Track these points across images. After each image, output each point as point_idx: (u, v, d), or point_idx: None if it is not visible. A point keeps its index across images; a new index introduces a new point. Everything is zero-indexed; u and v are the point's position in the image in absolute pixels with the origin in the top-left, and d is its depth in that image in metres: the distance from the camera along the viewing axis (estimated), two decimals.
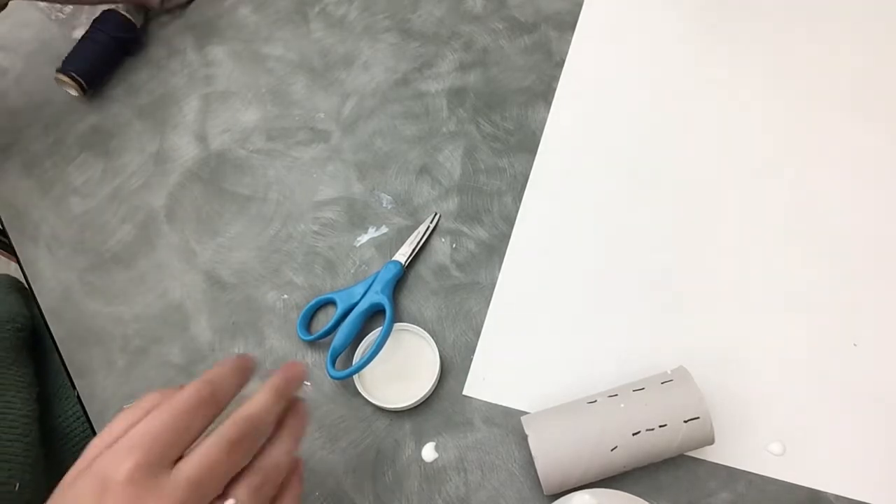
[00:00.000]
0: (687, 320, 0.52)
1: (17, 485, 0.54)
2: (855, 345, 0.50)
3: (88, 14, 0.73)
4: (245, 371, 0.37)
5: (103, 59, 0.70)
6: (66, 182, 0.66)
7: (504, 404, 0.51)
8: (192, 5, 0.75)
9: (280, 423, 0.37)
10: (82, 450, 0.34)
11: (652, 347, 0.52)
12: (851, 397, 0.49)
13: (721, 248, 0.55)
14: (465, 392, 0.52)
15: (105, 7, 0.71)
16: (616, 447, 0.44)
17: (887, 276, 0.52)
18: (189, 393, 0.34)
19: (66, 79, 0.67)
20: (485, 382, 0.52)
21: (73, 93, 0.68)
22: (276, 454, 0.35)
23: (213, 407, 0.34)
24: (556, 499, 0.45)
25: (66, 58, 0.69)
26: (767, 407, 0.49)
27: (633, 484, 0.48)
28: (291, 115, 0.66)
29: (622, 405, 0.45)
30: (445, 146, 0.62)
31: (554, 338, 0.53)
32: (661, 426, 0.44)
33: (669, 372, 0.47)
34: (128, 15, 0.71)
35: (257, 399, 0.36)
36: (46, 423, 0.60)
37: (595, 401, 0.46)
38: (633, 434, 0.44)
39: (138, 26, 0.72)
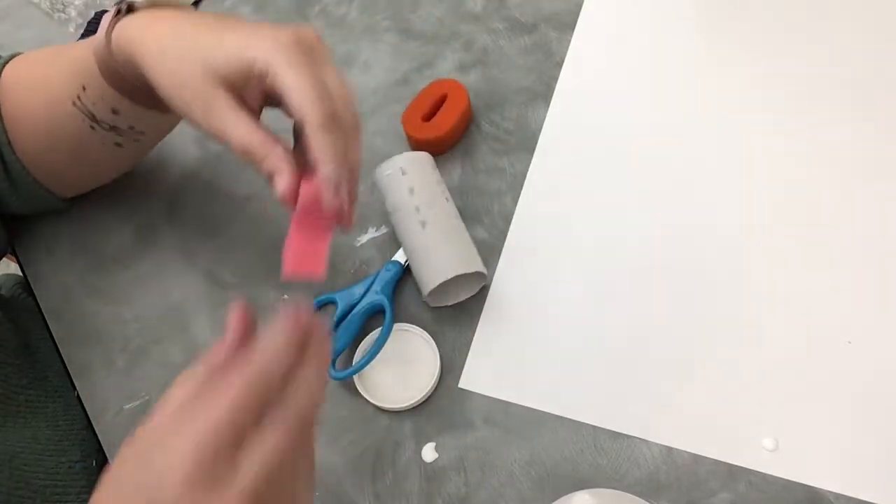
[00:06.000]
0: (683, 315, 0.52)
1: (95, 462, 0.56)
2: (849, 342, 0.50)
3: (84, 17, 0.73)
4: (302, 348, 0.32)
5: None
6: None
7: (499, 397, 0.51)
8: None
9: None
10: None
11: (647, 342, 0.52)
12: (845, 395, 0.49)
13: (717, 245, 0.55)
14: (461, 385, 0.52)
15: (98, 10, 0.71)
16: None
17: (882, 275, 0.52)
18: (237, 394, 0.29)
19: None
20: (480, 376, 0.52)
21: None
22: (300, 402, 0.30)
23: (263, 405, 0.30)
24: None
25: None
26: (760, 403, 0.49)
27: (633, 484, 0.48)
28: None
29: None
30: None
31: (549, 333, 0.53)
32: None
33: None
34: None
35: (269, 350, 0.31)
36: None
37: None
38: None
39: None
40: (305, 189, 0.40)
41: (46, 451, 0.53)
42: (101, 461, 0.56)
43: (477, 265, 0.53)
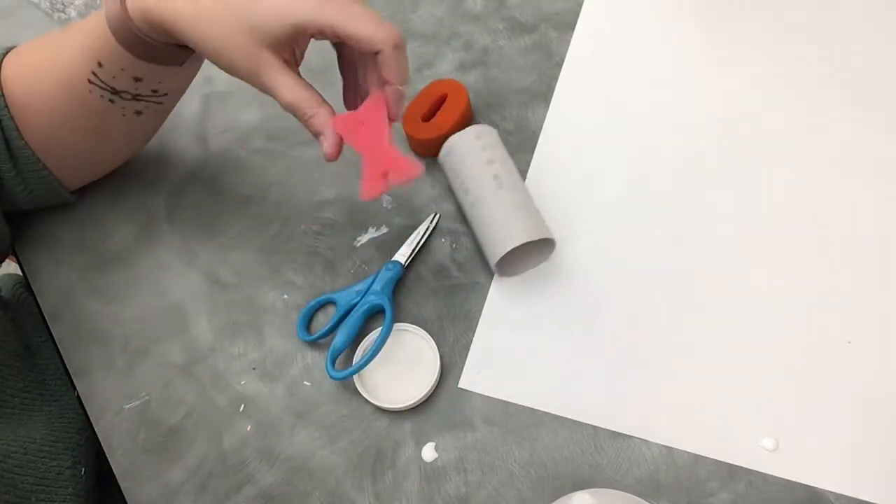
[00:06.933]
0: (682, 315, 0.52)
1: (84, 470, 0.55)
2: (849, 342, 0.50)
3: (84, 17, 0.73)
4: None
5: None
6: None
7: (499, 398, 0.51)
8: None
9: None
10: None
11: (645, 341, 0.52)
12: (845, 395, 0.49)
13: (717, 245, 0.55)
14: (461, 385, 0.52)
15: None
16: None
17: (882, 275, 0.52)
18: None
19: None
20: (480, 376, 0.52)
21: None
22: None
23: None
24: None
25: None
26: (760, 402, 0.49)
27: (633, 484, 0.48)
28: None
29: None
30: None
31: (549, 333, 0.53)
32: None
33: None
34: None
35: None
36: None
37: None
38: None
39: None
40: (370, 113, 0.47)
41: (40, 454, 0.53)
42: (90, 469, 0.56)
43: (548, 232, 0.53)
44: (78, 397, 0.57)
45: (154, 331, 0.58)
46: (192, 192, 0.64)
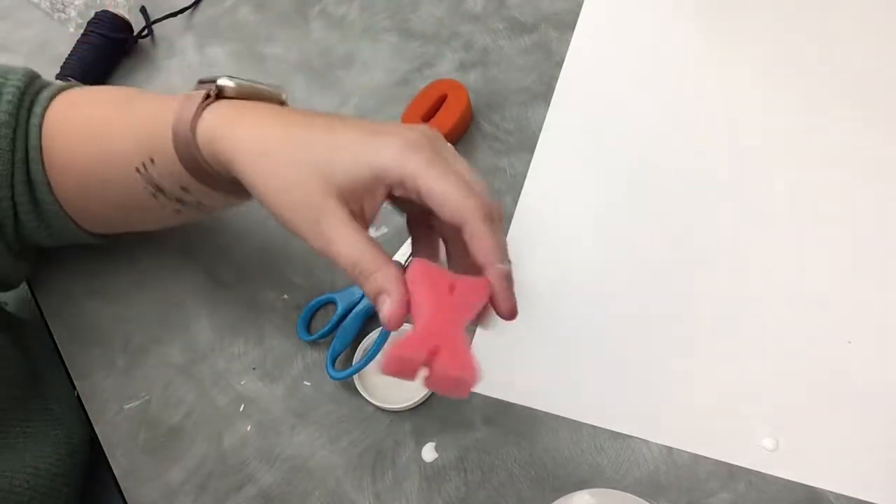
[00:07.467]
0: (682, 315, 0.52)
1: None
2: (849, 342, 0.50)
3: (84, 17, 0.73)
4: None
5: (99, 61, 0.70)
6: None
7: (499, 397, 0.51)
8: None
9: None
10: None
11: (645, 341, 0.52)
12: (845, 395, 0.48)
13: (718, 245, 0.55)
14: None
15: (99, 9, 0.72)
16: None
17: (882, 274, 0.52)
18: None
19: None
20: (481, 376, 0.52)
21: None
22: None
23: None
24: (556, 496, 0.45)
25: (64, 62, 0.69)
26: (760, 403, 0.49)
27: (633, 484, 0.48)
28: None
29: None
30: None
31: (550, 333, 0.53)
32: None
33: None
34: (121, 14, 0.71)
35: None
36: None
37: None
38: None
39: (133, 25, 0.72)
40: (468, 287, 0.37)
41: (43, 481, 0.53)
42: None
43: None
44: (78, 397, 0.57)
45: (154, 331, 0.58)
46: None
